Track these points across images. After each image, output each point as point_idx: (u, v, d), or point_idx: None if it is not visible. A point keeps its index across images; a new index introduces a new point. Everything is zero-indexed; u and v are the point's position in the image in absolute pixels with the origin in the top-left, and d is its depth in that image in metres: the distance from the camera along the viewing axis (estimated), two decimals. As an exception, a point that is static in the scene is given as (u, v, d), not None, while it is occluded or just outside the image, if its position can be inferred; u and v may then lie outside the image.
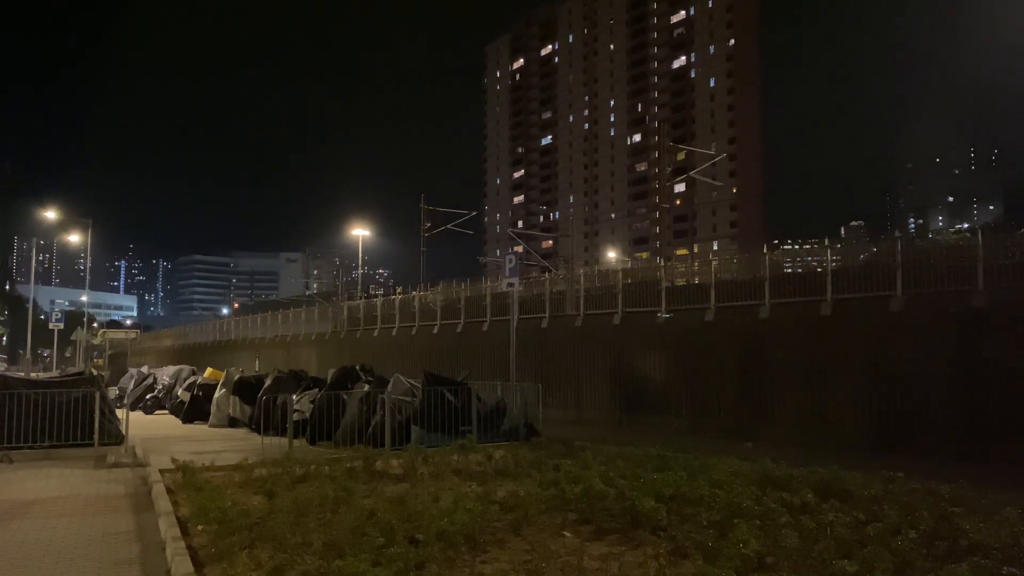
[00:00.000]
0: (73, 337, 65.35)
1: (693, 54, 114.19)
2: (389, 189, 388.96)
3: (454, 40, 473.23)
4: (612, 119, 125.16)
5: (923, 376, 15.46)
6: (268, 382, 19.79)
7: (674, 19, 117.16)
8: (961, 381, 14.92)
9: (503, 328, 22.07)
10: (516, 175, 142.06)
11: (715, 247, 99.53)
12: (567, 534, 7.64)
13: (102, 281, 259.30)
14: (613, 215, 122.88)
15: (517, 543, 7.24)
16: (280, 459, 11.86)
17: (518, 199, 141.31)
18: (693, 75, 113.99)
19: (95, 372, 19.18)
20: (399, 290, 37.89)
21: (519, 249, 73.23)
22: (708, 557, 6.31)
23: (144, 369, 32.22)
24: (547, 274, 34.00)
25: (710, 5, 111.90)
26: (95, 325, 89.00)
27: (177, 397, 24.61)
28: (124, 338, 73.43)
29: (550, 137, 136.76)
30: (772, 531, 6.96)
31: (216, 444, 16.11)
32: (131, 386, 28.19)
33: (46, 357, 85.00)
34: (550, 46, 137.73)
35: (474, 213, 51.77)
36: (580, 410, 22.64)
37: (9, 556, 7.19)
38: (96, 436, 14.47)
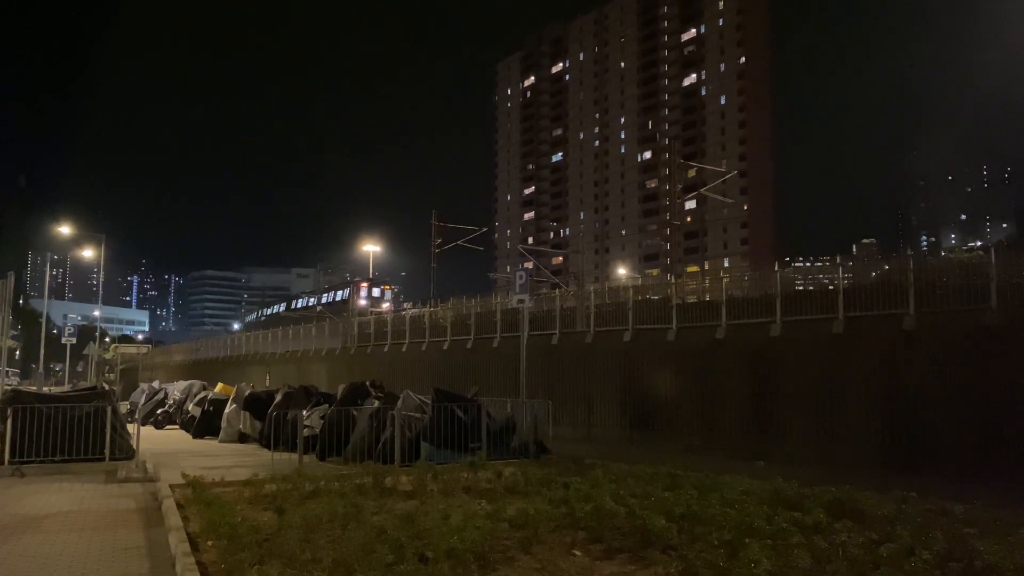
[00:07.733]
0: (85, 352, 65.75)
1: (704, 71, 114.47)
2: (400, 205, 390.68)
3: (465, 58, 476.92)
4: (623, 136, 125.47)
5: (936, 394, 15.33)
6: (278, 398, 19.81)
7: (685, 37, 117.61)
8: (975, 399, 14.78)
9: (513, 344, 22.06)
10: (527, 192, 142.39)
11: (726, 264, 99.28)
12: (577, 553, 7.60)
13: (114, 296, 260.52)
14: (623, 232, 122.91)
15: (527, 561, 7.21)
16: (290, 475, 11.87)
17: (528, 215, 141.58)
18: (704, 92, 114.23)
19: (107, 387, 19.30)
20: (409, 306, 37.92)
21: (529, 265, 73.26)
22: (719, 577, 6.27)
23: (155, 384, 32.36)
24: (557, 290, 33.94)
25: (721, 23, 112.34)
26: (107, 340, 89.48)
27: (188, 412, 24.71)
28: (136, 353, 73.78)
29: (560, 154, 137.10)
30: (784, 551, 6.91)
31: (226, 459, 16.14)
32: (142, 401, 28.33)
33: (58, 371, 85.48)
34: (561, 63, 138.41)
35: (484, 229, 51.87)
36: (590, 427, 22.54)
37: (20, 571, 7.22)
38: (107, 451, 14.52)
